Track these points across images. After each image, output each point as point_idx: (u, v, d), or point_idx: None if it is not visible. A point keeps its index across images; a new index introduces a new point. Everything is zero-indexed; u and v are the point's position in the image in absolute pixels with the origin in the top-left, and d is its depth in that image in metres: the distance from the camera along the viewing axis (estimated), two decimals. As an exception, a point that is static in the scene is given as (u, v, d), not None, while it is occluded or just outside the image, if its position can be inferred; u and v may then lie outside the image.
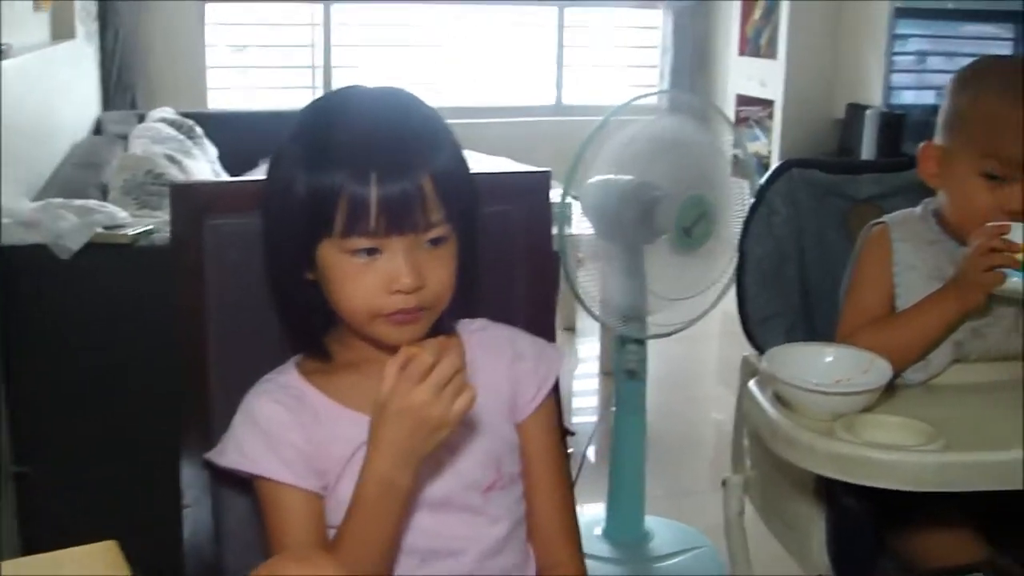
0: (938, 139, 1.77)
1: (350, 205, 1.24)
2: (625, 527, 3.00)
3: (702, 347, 4.79)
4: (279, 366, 1.41)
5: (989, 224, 1.62)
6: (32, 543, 2.57)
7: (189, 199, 1.47)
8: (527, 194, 1.59)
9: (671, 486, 3.43)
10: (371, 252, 1.27)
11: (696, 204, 2.48)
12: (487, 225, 1.42)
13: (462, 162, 1.34)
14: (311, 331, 1.39)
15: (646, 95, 2.79)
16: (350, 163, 1.25)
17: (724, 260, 2.63)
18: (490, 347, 1.45)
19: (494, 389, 1.42)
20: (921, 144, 1.78)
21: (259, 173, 4.56)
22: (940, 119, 1.78)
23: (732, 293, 1.99)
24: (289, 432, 1.32)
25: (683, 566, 2.93)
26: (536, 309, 1.61)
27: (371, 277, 1.27)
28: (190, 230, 1.46)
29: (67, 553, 1.21)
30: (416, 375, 1.20)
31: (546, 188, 1.61)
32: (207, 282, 1.47)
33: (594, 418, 4.05)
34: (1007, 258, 1.58)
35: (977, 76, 1.74)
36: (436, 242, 1.29)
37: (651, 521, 3.06)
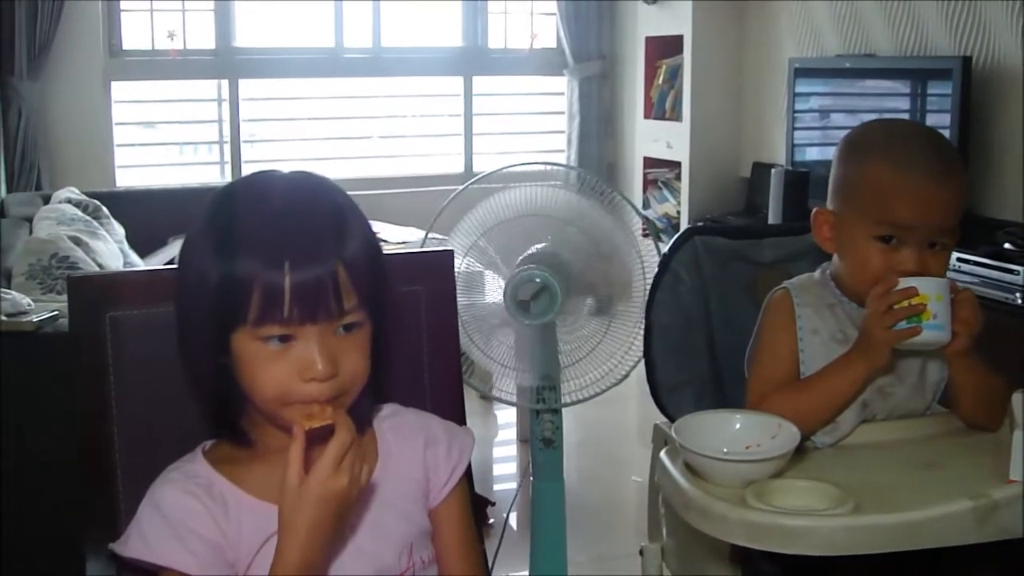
0: (830, 204, 1.80)
1: (263, 294, 1.24)
2: (549, 596, 2.97)
3: (619, 409, 4.79)
4: (186, 455, 1.39)
5: (880, 283, 1.65)
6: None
7: (87, 291, 1.45)
8: (432, 272, 1.60)
9: (593, 551, 3.42)
10: (284, 339, 1.26)
11: (531, 279, 2.47)
12: (394, 307, 1.42)
13: (375, 247, 1.34)
14: (227, 416, 1.37)
15: (514, 165, 2.81)
16: (263, 251, 1.24)
17: (631, 328, 2.64)
18: (402, 433, 1.44)
19: (407, 475, 1.42)
20: (813, 210, 1.81)
21: (168, 251, 4.50)
22: (831, 185, 1.80)
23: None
24: (197, 522, 1.30)
25: (607, 632, 2.92)
26: (443, 388, 1.61)
27: (285, 365, 1.26)
28: (90, 323, 1.44)
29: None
30: (349, 464, 1.24)
31: (450, 266, 1.62)
32: (109, 375, 1.44)
33: (515, 484, 4.04)
34: (909, 308, 1.61)
35: (863, 143, 1.78)
36: (349, 328, 1.29)
37: (574, 588, 3.04)
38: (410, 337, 1.56)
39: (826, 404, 1.70)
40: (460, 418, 1.59)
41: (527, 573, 2.99)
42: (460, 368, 1.62)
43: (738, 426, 1.61)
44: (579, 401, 2.82)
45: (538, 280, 2.47)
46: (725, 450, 1.54)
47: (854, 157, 1.77)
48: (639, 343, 2.64)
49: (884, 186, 1.69)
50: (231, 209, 1.32)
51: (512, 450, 4.40)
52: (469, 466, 1.50)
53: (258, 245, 1.25)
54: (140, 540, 1.30)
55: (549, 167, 2.78)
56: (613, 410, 4.68)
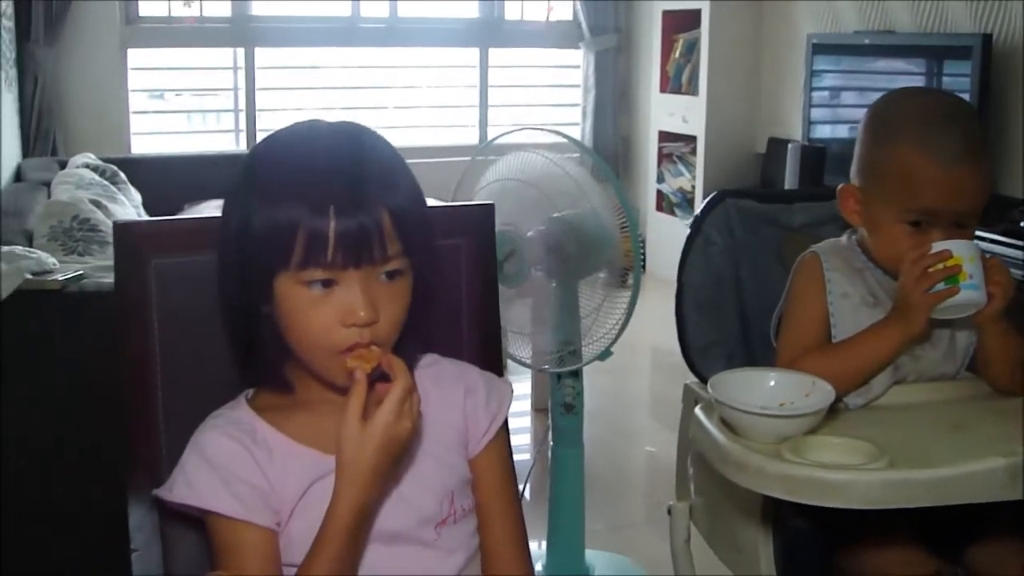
0: (856, 180, 1.80)
1: (308, 237, 1.24)
2: (566, 562, 2.99)
3: (632, 381, 4.82)
4: (229, 402, 1.41)
5: (912, 253, 1.66)
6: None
7: (132, 239, 1.46)
8: (473, 227, 1.61)
9: (608, 519, 3.44)
10: (327, 284, 1.26)
11: (506, 241, 2.48)
12: (437, 258, 1.43)
13: (419, 197, 1.35)
14: (270, 363, 1.36)
15: (507, 132, 2.83)
16: (308, 194, 1.25)
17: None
18: (442, 382, 1.45)
19: (447, 424, 1.43)
20: (840, 185, 1.82)
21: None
22: (856, 161, 1.80)
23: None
24: (242, 467, 1.31)
25: (625, 599, 2.94)
26: (483, 342, 1.62)
27: (326, 309, 1.27)
28: (135, 270, 1.44)
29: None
30: (409, 408, 1.27)
31: (491, 221, 1.62)
32: (153, 322, 1.45)
33: (528, 455, 4.05)
34: (945, 270, 1.63)
35: (892, 121, 1.76)
36: (392, 276, 1.29)
37: (591, 555, 3.06)
38: (450, 290, 1.57)
39: (860, 368, 1.71)
40: (499, 371, 1.60)
41: (543, 542, 3.01)
42: (499, 321, 1.62)
43: (772, 383, 1.62)
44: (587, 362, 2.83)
45: (508, 245, 2.50)
46: (760, 406, 1.55)
47: (882, 136, 1.75)
48: (621, 311, 2.70)
49: (914, 173, 1.68)
50: (276, 154, 1.32)
51: (526, 421, 4.41)
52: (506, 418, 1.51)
53: (303, 188, 1.25)
54: (185, 485, 1.31)
55: (564, 139, 2.79)
56: (625, 382, 4.71)
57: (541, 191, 2.66)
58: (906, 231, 1.71)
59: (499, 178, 2.73)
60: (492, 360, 1.60)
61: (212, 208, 4.23)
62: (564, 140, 2.80)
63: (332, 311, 1.27)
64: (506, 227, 2.53)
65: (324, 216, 1.24)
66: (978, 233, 3.77)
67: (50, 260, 2.85)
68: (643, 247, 3.10)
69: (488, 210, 1.62)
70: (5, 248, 2.78)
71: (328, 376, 1.32)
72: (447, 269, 1.55)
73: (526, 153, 2.70)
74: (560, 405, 2.92)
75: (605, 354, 2.80)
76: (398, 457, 1.29)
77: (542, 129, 2.90)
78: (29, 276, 2.61)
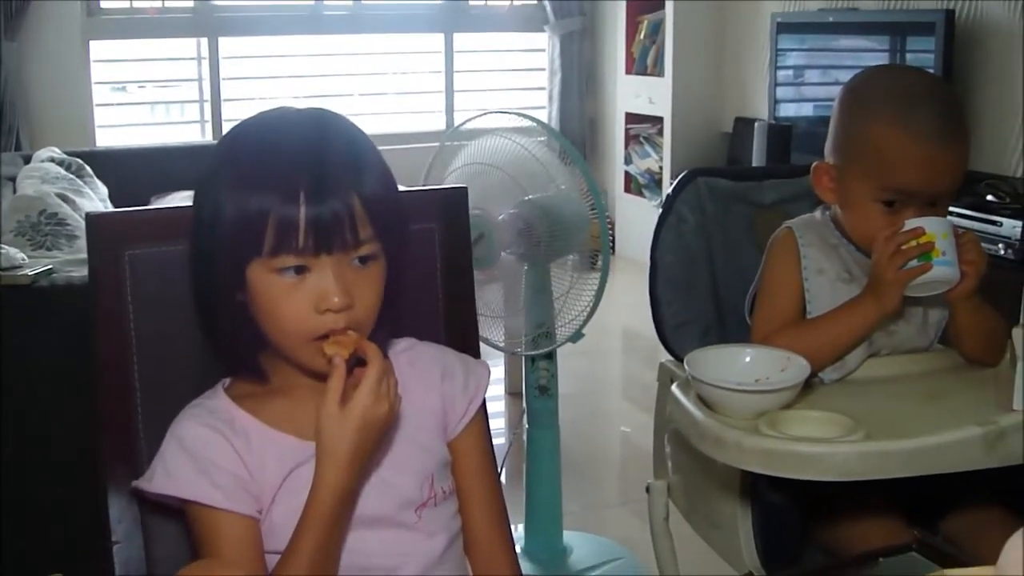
0: (830, 157, 1.80)
1: (278, 224, 1.24)
2: (544, 544, 3.01)
3: (604, 363, 4.83)
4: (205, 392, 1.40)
5: (885, 231, 1.67)
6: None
7: (105, 230, 1.45)
8: (447, 211, 1.60)
9: (584, 500, 3.45)
10: (300, 271, 1.26)
11: (475, 225, 2.51)
12: (409, 242, 1.43)
13: (390, 181, 1.34)
14: (245, 351, 1.36)
15: (475, 117, 2.84)
16: (278, 181, 1.24)
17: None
18: (419, 366, 1.45)
19: (425, 408, 1.43)
20: (814, 163, 1.82)
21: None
22: (832, 138, 1.80)
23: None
24: (221, 456, 1.31)
25: (605, 578, 2.95)
26: (458, 325, 1.62)
27: (300, 297, 1.26)
28: (108, 262, 1.43)
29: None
30: (386, 390, 1.26)
31: (465, 204, 1.62)
32: (128, 313, 1.44)
33: (503, 439, 4.06)
34: (918, 247, 1.64)
35: (867, 99, 1.76)
36: (364, 260, 1.29)
37: (569, 536, 3.08)
38: (425, 274, 1.57)
39: (835, 345, 1.71)
40: (475, 354, 1.61)
41: (520, 524, 3.02)
42: (475, 304, 1.63)
43: (748, 359, 1.63)
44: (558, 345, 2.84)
45: (477, 229, 2.50)
46: (737, 382, 1.56)
47: (858, 113, 1.75)
48: (591, 293, 2.71)
49: (890, 152, 1.68)
50: (246, 143, 1.32)
51: (500, 405, 4.41)
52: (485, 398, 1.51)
53: (273, 175, 1.25)
54: (165, 476, 1.31)
55: (531, 122, 2.80)
56: (596, 365, 4.72)
57: (510, 175, 2.67)
58: (880, 209, 1.72)
59: (468, 162, 2.73)
60: (469, 343, 1.61)
61: (179, 200, 4.21)
62: (531, 124, 2.81)
63: (306, 298, 1.26)
64: (475, 211, 2.53)
65: (294, 202, 1.23)
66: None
67: (18, 255, 2.83)
68: (611, 229, 3.11)
69: (461, 193, 1.62)
70: (-28, 244, 2.76)
71: (304, 363, 1.32)
72: (421, 253, 1.55)
73: (494, 137, 2.71)
74: (535, 387, 2.93)
75: (576, 336, 2.81)
76: (378, 440, 1.29)
77: (509, 113, 2.90)
78: (-2, 271, 2.59)
